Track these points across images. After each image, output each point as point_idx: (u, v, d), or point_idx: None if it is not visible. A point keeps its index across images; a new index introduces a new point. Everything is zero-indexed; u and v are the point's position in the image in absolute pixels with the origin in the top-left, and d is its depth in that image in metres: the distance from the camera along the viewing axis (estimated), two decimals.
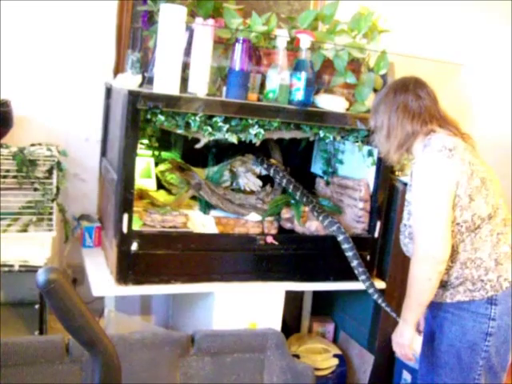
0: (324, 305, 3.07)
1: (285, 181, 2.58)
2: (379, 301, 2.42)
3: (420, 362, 2.15)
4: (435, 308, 2.04)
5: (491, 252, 1.92)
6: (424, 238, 1.89)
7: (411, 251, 1.98)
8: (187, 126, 2.19)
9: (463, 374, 1.97)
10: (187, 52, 2.17)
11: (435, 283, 1.90)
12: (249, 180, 2.63)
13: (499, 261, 1.92)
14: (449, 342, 1.98)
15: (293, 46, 2.38)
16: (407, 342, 2.01)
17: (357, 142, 2.48)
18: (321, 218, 2.47)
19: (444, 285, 1.97)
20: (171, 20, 2.07)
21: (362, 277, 2.42)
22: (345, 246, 2.41)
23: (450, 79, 2.55)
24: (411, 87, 2.02)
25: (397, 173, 2.64)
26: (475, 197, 1.89)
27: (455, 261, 1.93)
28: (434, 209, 1.88)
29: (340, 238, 2.41)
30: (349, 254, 2.41)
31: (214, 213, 2.53)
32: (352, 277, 2.45)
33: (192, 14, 2.27)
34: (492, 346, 1.92)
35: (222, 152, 2.69)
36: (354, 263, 2.42)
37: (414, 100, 1.99)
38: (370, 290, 2.43)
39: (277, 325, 2.42)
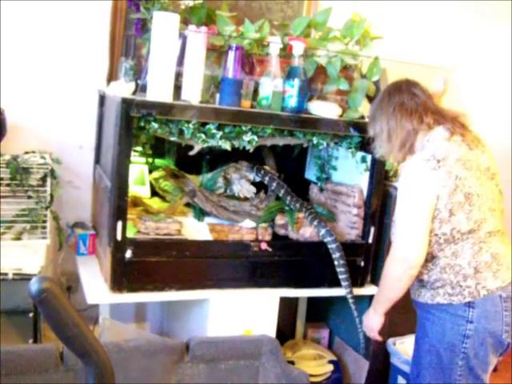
0: (319, 311, 3.07)
1: (278, 187, 2.58)
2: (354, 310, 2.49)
3: (411, 363, 2.17)
4: (419, 308, 2.09)
5: (471, 260, 1.93)
6: (400, 241, 1.96)
7: None
8: (181, 133, 2.20)
9: (445, 375, 2.00)
10: (180, 59, 2.18)
11: (405, 284, 1.99)
12: (243, 187, 2.63)
13: (479, 269, 1.93)
14: (430, 342, 2.02)
15: (286, 52, 2.39)
16: (376, 326, 2.18)
17: (350, 148, 2.49)
18: (315, 223, 2.48)
19: (425, 285, 2.02)
20: (164, 28, 2.07)
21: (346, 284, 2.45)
22: (336, 255, 2.43)
23: (444, 85, 2.56)
24: (404, 87, 2.05)
25: (391, 178, 2.65)
26: (456, 212, 1.91)
27: (436, 264, 1.98)
28: (412, 217, 1.93)
29: (332, 246, 2.42)
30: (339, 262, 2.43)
31: (208, 220, 2.53)
32: None
33: (185, 22, 2.27)
34: (470, 347, 1.94)
35: (215, 159, 2.69)
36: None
37: (409, 99, 2.01)
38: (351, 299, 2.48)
39: (271, 331, 2.42)
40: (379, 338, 2.23)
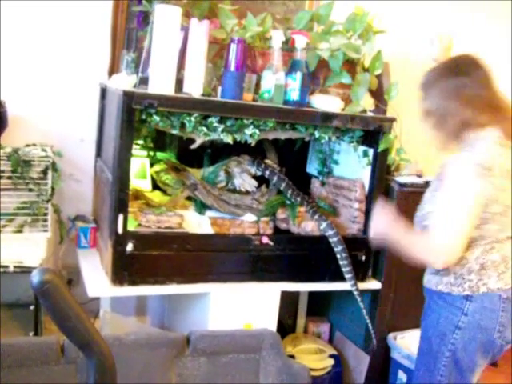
0: (319, 305, 3.07)
1: (279, 181, 2.58)
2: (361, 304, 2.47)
3: None
4: (426, 294, 2.08)
5: (479, 256, 1.91)
6: (438, 242, 1.86)
7: None
8: (182, 126, 2.19)
9: (430, 362, 2.00)
10: (182, 52, 2.17)
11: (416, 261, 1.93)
12: (244, 180, 2.63)
13: (484, 266, 1.91)
14: (425, 327, 2.04)
15: (288, 46, 2.38)
16: (382, 231, 2.04)
17: (352, 142, 2.48)
18: (316, 217, 2.48)
19: (434, 271, 2.00)
20: (166, 20, 2.06)
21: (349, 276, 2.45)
22: (338, 249, 2.42)
23: None
24: (465, 69, 1.92)
25: (392, 173, 2.65)
26: (490, 221, 1.87)
27: None
28: (459, 219, 1.84)
29: (334, 239, 2.42)
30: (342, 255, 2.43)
31: (209, 213, 2.53)
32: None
33: (187, 15, 2.26)
34: (459, 340, 1.93)
35: (217, 152, 2.69)
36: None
37: (468, 85, 1.89)
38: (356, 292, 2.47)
39: (272, 325, 2.42)
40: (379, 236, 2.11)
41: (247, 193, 2.63)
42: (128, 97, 2.05)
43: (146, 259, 2.21)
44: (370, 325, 2.51)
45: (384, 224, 2.05)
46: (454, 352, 1.95)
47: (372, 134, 2.46)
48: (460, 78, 1.91)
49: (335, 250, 2.42)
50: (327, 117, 2.35)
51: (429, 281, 2.04)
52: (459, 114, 1.88)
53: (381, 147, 2.44)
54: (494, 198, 1.84)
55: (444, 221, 1.86)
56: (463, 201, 1.83)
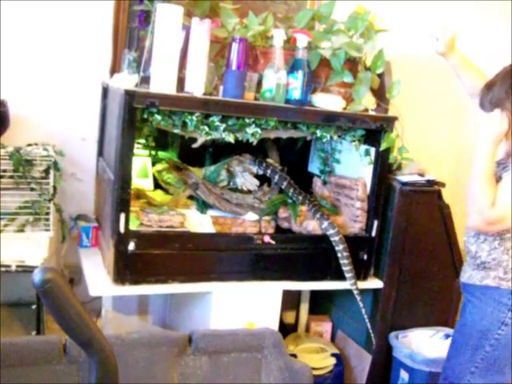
0: (321, 304, 3.07)
1: (281, 180, 2.58)
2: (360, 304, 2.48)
3: None
4: (466, 291, 2.09)
5: None
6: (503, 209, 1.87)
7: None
8: (184, 125, 2.19)
9: (467, 353, 2.02)
10: (184, 51, 2.17)
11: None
12: (246, 179, 2.63)
13: None
14: (465, 322, 2.05)
15: (289, 45, 2.38)
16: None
17: (354, 141, 2.48)
18: (317, 216, 2.48)
19: (479, 265, 2.01)
20: (168, 20, 2.06)
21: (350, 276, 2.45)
22: (339, 248, 2.43)
23: (449, 77, 2.54)
24: None
25: (394, 172, 2.64)
26: None
27: (501, 244, 1.96)
28: None
29: (335, 238, 2.42)
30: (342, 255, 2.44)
31: (211, 212, 2.53)
32: None
33: (188, 14, 2.26)
34: (504, 336, 1.95)
35: (219, 151, 2.69)
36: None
37: None
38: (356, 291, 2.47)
39: (274, 324, 2.42)
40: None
41: (249, 192, 2.63)
42: (129, 96, 2.05)
43: (147, 258, 2.21)
44: (368, 324, 2.52)
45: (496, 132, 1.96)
46: (495, 347, 1.96)
47: (374, 132, 2.46)
48: None
49: (336, 248, 2.42)
50: (329, 116, 2.35)
51: (471, 276, 2.04)
52: None
53: (383, 146, 2.44)
54: None
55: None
56: None
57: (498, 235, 1.97)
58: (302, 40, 2.30)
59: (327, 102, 2.38)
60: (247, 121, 2.24)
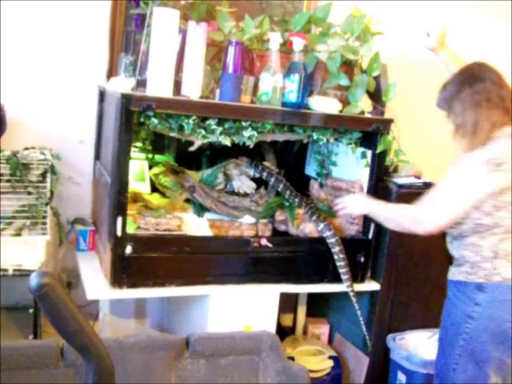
0: (319, 307, 3.07)
1: (277, 182, 2.59)
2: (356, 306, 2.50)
3: None
4: (447, 288, 2.15)
5: (494, 244, 1.98)
6: (432, 210, 2.00)
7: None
8: (180, 128, 2.20)
9: (447, 350, 2.08)
10: (180, 55, 2.17)
11: (394, 227, 2.20)
12: (243, 182, 2.63)
13: (496, 255, 1.97)
14: (443, 318, 2.12)
15: (286, 48, 2.38)
16: (356, 212, 2.40)
17: (350, 143, 2.49)
18: (313, 218, 2.48)
19: (453, 262, 2.10)
20: (164, 23, 2.07)
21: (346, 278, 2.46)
22: (335, 250, 2.43)
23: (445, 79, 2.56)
24: (479, 76, 1.98)
25: (391, 174, 2.65)
26: (501, 209, 1.94)
27: (462, 241, 2.03)
28: (453, 200, 1.96)
29: (331, 240, 2.43)
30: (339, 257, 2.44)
31: (208, 215, 2.53)
32: None
33: (185, 17, 2.27)
34: (472, 330, 1.99)
35: (215, 155, 2.69)
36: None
37: (486, 90, 1.95)
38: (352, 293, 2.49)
39: (271, 327, 2.42)
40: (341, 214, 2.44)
41: (246, 195, 2.63)
42: (126, 99, 2.05)
43: (145, 262, 2.22)
44: (363, 326, 2.53)
45: (362, 201, 2.33)
46: (468, 342, 2.00)
47: (370, 135, 2.46)
48: (477, 85, 1.96)
49: (332, 250, 2.43)
50: (325, 118, 2.36)
51: (449, 272, 2.12)
52: (490, 118, 1.94)
53: (379, 148, 2.45)
54: (503, 188, 1.91)
55: (438, 197, 1.98)
56: (463, 186, 1.94)
57: (459, 235, 2.03)
58: (298, 43, 2.30)
59: (324, 104, 2.38)
60: (244, 124, 2.25)
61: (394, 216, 2.16)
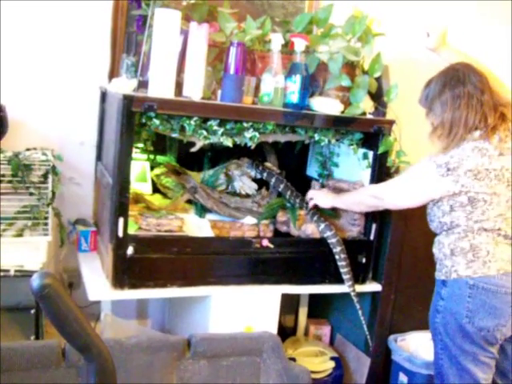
0: (320, 307, 3.06)
1: (278, 183, 2.59)
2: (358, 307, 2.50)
3: None
4: None
5: (451, 242, 2.05)
6: (390, 186, 2.25)
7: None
8: (182, 129, 2.20)
9: (436, 346, 2.14)
10: (182, 56, 2.17)
11: (362, 209, 2.44)
12: (244, 183, 2.63)
13: (454, 252, 2.04)
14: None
15: (287, 49, 2.38)
16: (321, 204, 2.51)
17: (352, 144, 2.49)
18: (314, 218, 2.49)
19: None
20: (166, 24, 2.07)
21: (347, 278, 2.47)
22: (336, 250, 2.43)
23: None
24: (461, 79, 2.01)
25: (392, 175, 2.64)
26: (456, 209, 2.02)
27: (435, 240, 2.15)
28: (409, 186, 2.15)
29: (332, 240, 2.43)
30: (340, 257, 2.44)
31: (209, 216, 2.53)
32: None
33: (186, 18, 2.27)
34: (440, 323, 2.07)
35: (217, 155, 2.69)
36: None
37: (466, 94, 1.98)
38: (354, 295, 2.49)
39: (273, 328, 2.42)
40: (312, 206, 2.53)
41: (247, 196, 2.63)
42: (128, 100, 2.05)
43: (146, 262, 2.22)
44: (365, 326, 2.52)
45: (327, 195, 2.50)
46: (442, 336, 2.08)
47: (372, 136, 2.46)
48: (459, 88, 1.99)
49: (334, 251, 2.42)
50: (327, 119, 2.36)
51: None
52: (466, 123, 1.98)
53: (380, 149, 2.44)
54: (456, 191, 1.98)
55: (397, 180, 2.25)
56: (418, 184, 2.09)
57: (434, 233, 2.16)
58: (299, 44, 2.30)
59: (325, 105, 2.38)
60: (245, 125, 2.25)
61: (360, 198, 2.35)
